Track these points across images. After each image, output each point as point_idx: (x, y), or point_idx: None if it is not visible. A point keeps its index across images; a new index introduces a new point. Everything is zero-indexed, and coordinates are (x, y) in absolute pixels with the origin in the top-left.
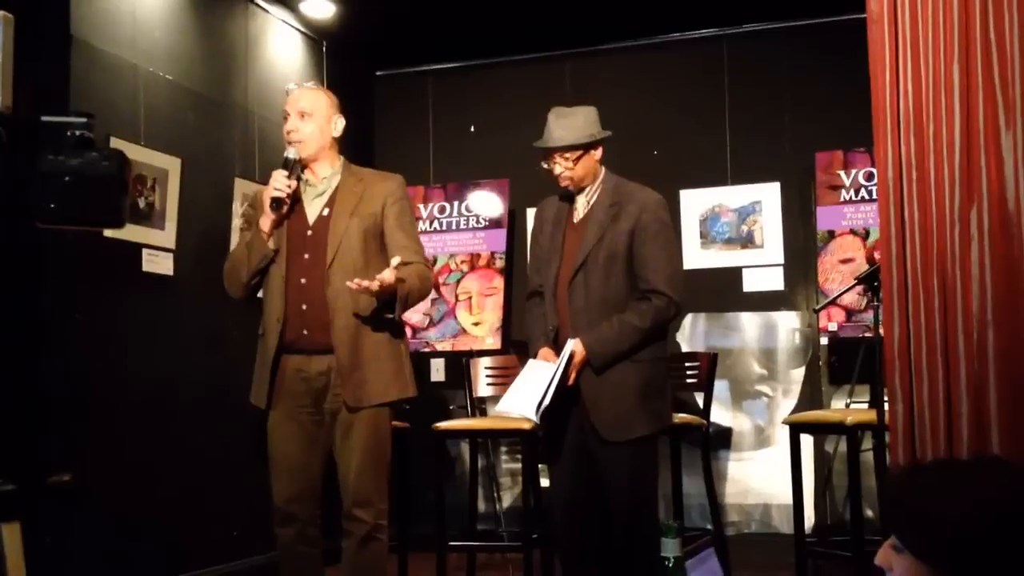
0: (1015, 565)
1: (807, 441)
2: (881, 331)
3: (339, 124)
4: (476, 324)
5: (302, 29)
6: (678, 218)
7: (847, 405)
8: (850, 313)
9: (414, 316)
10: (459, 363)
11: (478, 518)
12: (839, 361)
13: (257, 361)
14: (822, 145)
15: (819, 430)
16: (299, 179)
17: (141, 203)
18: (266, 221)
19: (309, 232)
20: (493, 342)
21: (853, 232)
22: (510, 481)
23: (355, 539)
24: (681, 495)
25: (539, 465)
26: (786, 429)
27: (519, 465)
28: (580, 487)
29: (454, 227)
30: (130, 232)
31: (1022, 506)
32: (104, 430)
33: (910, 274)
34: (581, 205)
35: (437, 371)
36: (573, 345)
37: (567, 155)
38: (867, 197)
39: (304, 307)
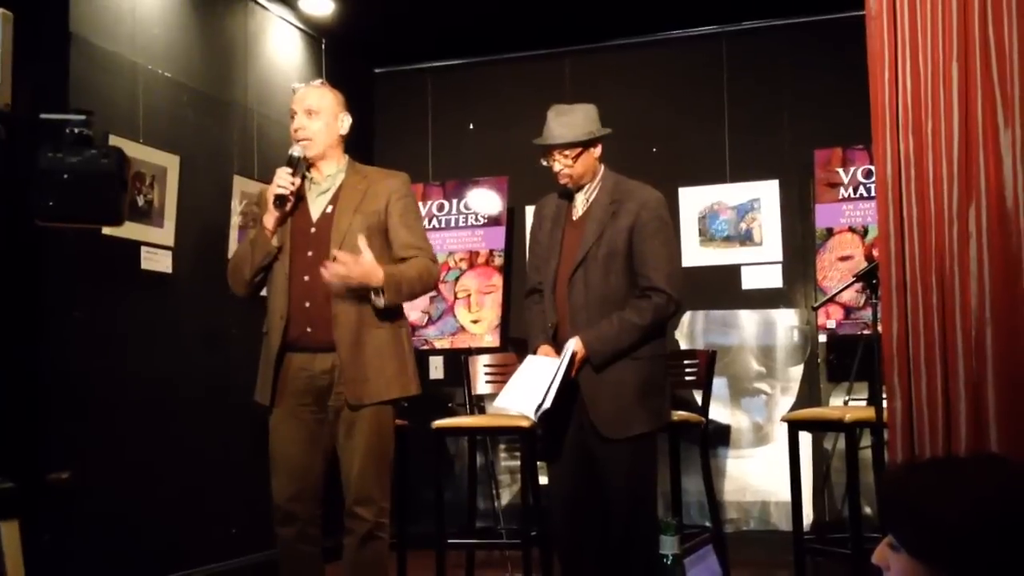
0: (1013, 564)
1: (805, 438)
2: (879, 328)
3: (345, 122)
4: (475, 322)
5: (301, 26)
6: (677, 215)
7: (845, 402)
8: (848, 310)
9: (413, 314)
10: (458, 361)
11: (477, 516)
12: (837, 358)
13: (261, 359)
14: (821, 142)
15: (817, 427)
16: (304, 177)
17: (140, 201)
18: (270, 218)
19: (313, 229)
20: (492, 340)
21: (852, 229)
22: (509, 479)
23: (356, 537)
24: (680, 492)
25: (538, 463)
26: (784, 426)
27: (518, 463)
28: (579, 485)
29: (453, 224)
30: (129, 230)
31: (1020, 504)
32: (103, 427)
33: (908, 271)
34: (580, 202)
35: (436, 369)
36: (574, 345)
37: (567, 152)
38: (866, 194)
39: (307, 304)
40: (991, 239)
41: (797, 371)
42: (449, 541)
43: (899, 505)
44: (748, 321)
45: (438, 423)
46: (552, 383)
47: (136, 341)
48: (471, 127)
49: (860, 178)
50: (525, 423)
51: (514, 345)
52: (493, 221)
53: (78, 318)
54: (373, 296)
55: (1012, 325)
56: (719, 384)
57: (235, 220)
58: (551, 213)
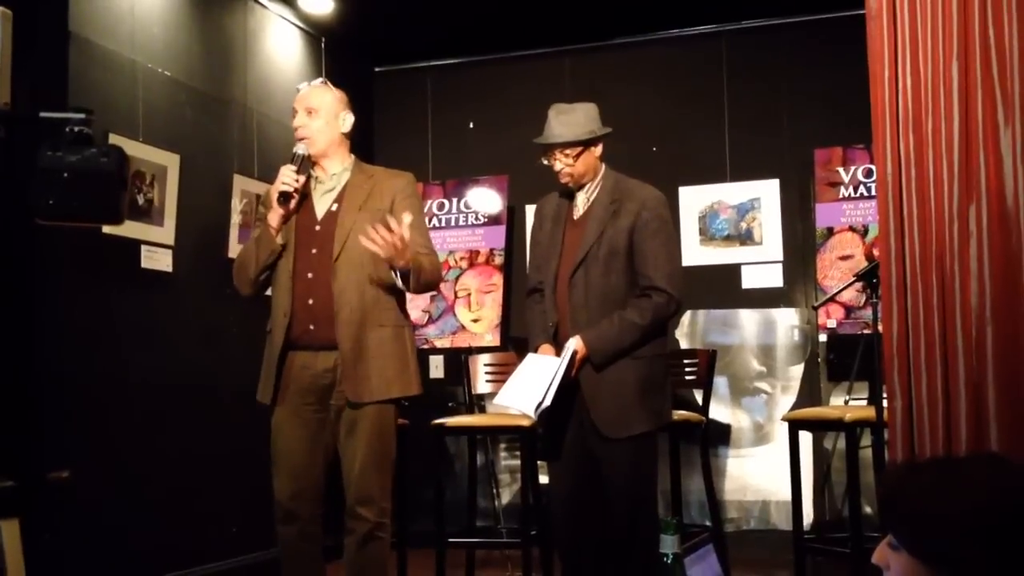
0: (1013, 563)
1: (806, 438)
2: (880, 327)
3: (347, 120)
4: (475, 321)
5: (301, 25)
6: (677, 215)
7: (846, 402)
8: (849, 310)
9: (413, 312)
10: (458, 360)
11: (477, 515)
12: (838, 358)
13: (264, 357)
14: (821, 142)
15: (818, 427)
16: (308, 175)
17: (140, 199)
18: (274, 216)
19: (317, 227)
20: (492, 339)
21: (852, 229)
22: (509, 478)
23: (357, 537)
24: (680, 492)
25: (538, 462)
26: (785, 426)
27: (518, 462)
28: (579, 484)
29: (453, 223)
30: (129, 228)
31: (1020, 504)
32: (102, 426)
33: (909, 271)
34: (581, 202)
35: (436, 368)
36: (575, 344)
37: (567, 151)
38: (866, 194)
39: (310, 301)
40: (991, 238)
41: (797, 370)
42: (449, 540)
43: (899, 505)
44: (748, 320)
45: (438, 422)
46: (552, 382)
47: (136, 340)
48: (471, 126)
49: (860, 177)
50: (525, 422)
51: (514, 344)
52: (493, 220)
53: (77, 316)
54: (394, 276)
55: (1012, 323)
56: (719, 383)
57: (235, 219)
58: (552, 212)
